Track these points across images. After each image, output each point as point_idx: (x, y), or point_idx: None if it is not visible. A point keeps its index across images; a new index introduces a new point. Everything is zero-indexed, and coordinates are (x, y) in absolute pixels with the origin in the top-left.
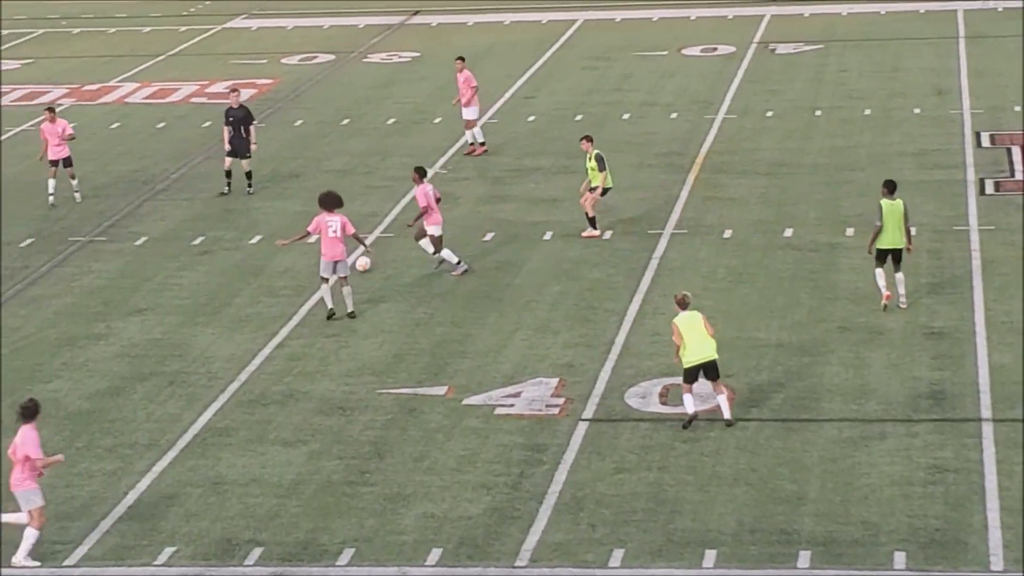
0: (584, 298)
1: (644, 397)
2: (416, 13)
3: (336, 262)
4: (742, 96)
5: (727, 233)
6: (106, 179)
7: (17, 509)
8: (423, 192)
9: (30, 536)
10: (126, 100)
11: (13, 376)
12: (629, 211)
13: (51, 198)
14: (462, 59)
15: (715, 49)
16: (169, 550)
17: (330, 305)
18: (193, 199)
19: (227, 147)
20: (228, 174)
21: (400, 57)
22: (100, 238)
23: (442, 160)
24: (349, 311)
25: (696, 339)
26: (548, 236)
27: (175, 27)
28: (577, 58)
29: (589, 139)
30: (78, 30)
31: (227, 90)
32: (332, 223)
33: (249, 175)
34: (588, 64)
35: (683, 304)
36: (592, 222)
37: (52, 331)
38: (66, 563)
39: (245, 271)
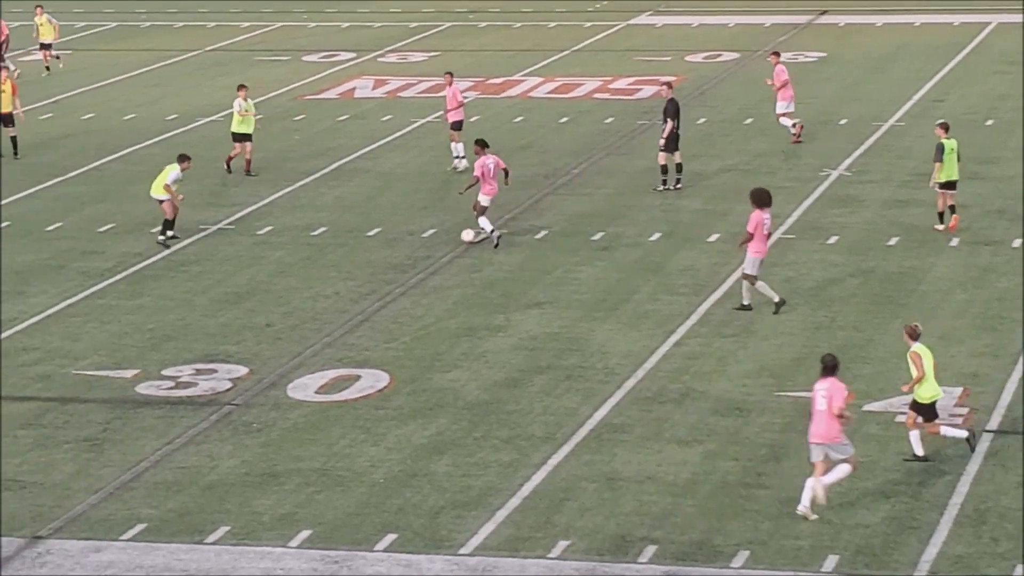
0: (991, 307)
1: None
2: (824, 13)
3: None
4: None
5: None
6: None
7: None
8: (481, 163)
9: (842, 471)
10: (530, 94)
11: (413, 364)
12: None
13: (459, 162)
14: (777, 54)
15: None
16: (563, 543)
17: (777, 297)
18: (593, 194)
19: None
20: (663, 169)
21: (806, 57)
22: (501, 230)
23: (847, 162)
24: (746, 303)
25: (932, 373)
26: (954, 243)
27: (580, 23)
28: (990, 61)
29: (943, 127)
30: (484, 24)
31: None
32: (768, 220)
33: (679, 167)
34: (1001, 68)
35: (915, 335)
36: (940, 216)
37: (452, 321)
38: (461, 551)
39: (644, 268)
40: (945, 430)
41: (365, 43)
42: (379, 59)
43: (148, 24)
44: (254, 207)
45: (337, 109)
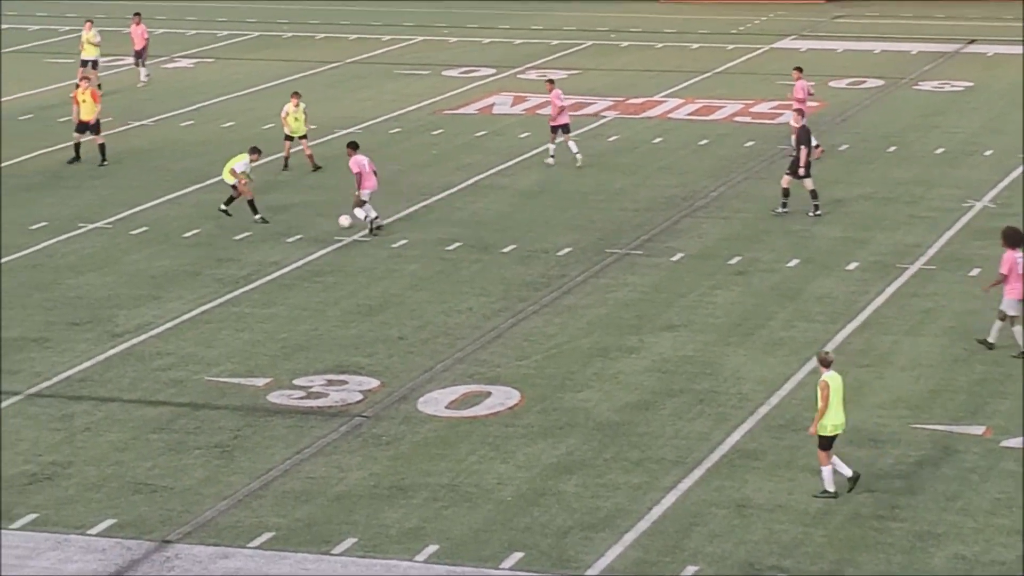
0: None
1: None
2: (972, 42)
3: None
4: None
5: None
6: (646, 193)
7: None
8: (356, 161)
9: None
10: (669, 115)
11: (545, 383)
12: None
13: (550, 160)
14: (799, 69)
15: None
16: (691, 569)
17: None
18: (731, 218)
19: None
20: (784, 192)
21: (952, 86)
22: (637, 251)
23: (991, 193)
24: (990, 340)
25: (837, 404)
26: None
27: (723, 44)
28: None
29: None
30: (626, 43)
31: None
32: (1021, 259)
33: (814, 194)
34: None
35: (826, 363)
36: None
37: (585, 341)
38: (588, 573)
39: (781, 294)
40: (826, 472)
41: (506, 60)
42: (519, 76)
43: (289, 35)
44: (389, 220)
45: (475, 125)
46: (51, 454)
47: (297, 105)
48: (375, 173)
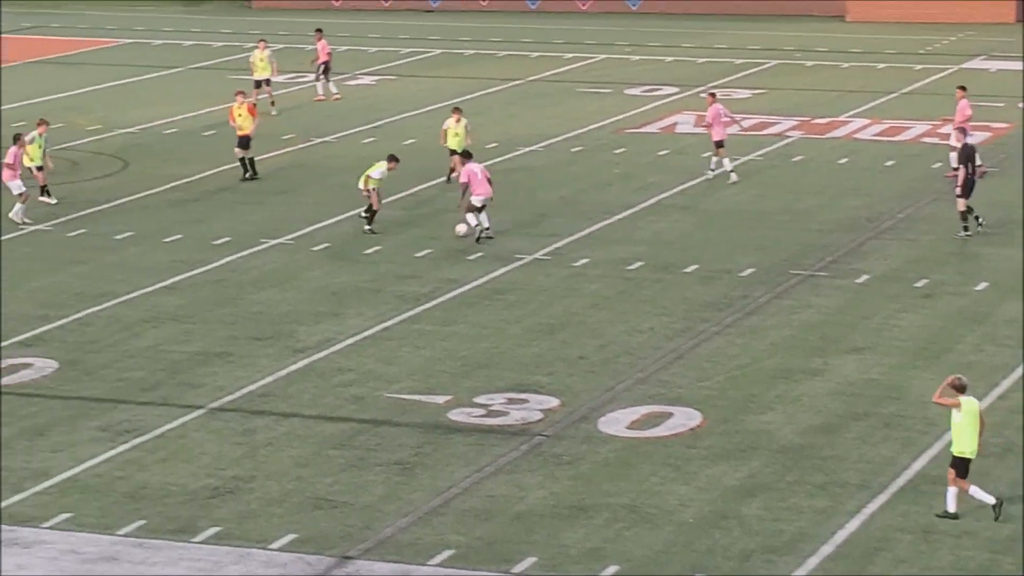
0: None
1: None
2: None
3: None
4: None
5: None
6: (831, 214)
7: None
8: (467, 170)
9: None
10: (855, 136)
11: (727, 404)
12: None
13: (710, 173)
14: (963, 88)
15: None
16: None
17: None
18: (918, 240)
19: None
20: (962, 216)
21: None
22: (822, 273)
23: None
24: None
25: (972, 429)
26: None
27: (910, 65)
28: None
29: None
30: (811, 63)
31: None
32: None
33: (969, 210)
34: None
35: (960, 388)
36: None
37: (769, 362)
38: None
39: (968, 317)
40: (974, 491)
41: (688, 78)
42: (702, 95)
43: (471, 52)
44: (571, 238)
45: (658, 143)
46: (233, 468)
47: (458, 121)
48: (489, 180)
